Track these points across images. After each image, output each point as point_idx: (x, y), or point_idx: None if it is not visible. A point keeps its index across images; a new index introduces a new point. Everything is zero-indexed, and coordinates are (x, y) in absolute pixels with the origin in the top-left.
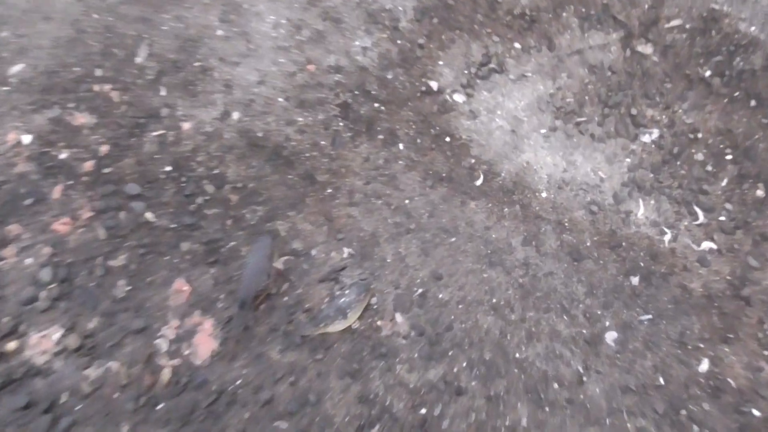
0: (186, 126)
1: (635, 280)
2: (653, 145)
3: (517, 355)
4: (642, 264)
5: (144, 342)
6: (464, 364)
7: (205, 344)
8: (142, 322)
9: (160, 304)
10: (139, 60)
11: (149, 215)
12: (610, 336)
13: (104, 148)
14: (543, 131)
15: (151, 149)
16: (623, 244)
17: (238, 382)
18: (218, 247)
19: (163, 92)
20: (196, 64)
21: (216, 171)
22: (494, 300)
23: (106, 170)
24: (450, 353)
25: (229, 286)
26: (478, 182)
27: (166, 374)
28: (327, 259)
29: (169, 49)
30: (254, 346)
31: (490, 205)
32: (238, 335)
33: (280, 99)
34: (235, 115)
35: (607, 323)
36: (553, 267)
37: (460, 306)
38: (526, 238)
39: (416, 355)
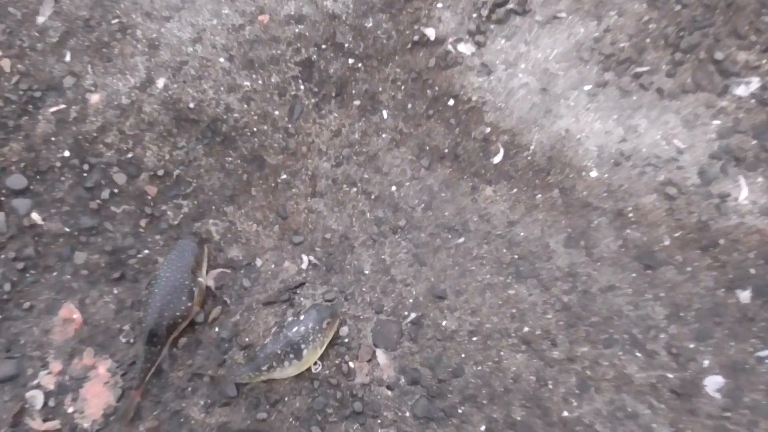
0: (94, 98)
1: (744, 295)
2: (753, 100)
3: (565, 413)
4: (753, 271)
5: (11, 395)
6: (482, 430)
7: (97, 398)
8: (12, 367)
9: (39, 339)
10: (41, 20)
11: (36, 216)
12: (713, 383)
13: None
14: (587, 88)
15: (47, 130)
16: (720, 242)
17: None
18: (126, 257)
19: (68, 57)
20: (114, 21)
21: (130, 155)
22: (526, 329)
23: None
24: (460, 411)
25: (138, 313)
26: (497, 159)
27: None
28: (277, 272)
29: (80, 5)
30: (168, 401)
31: (514, 190)
32: (144, 384)
33: (221, 59)
34: (160, 83)
35: (706, 363)
36: (615, 278)
37: (473, 339)
38: (570, 237)
39: (407, 415)
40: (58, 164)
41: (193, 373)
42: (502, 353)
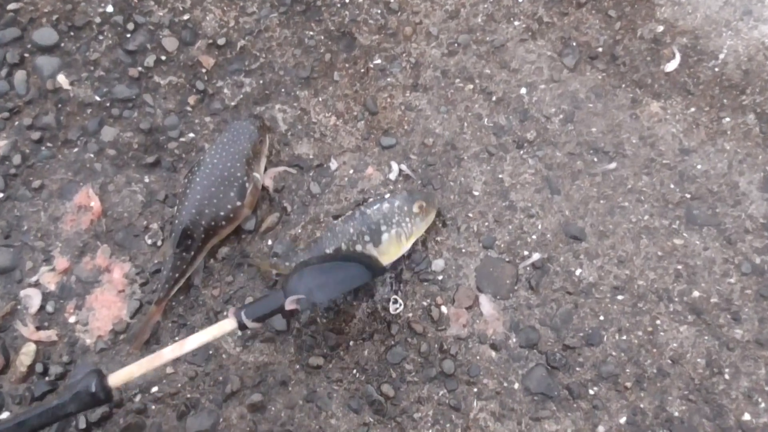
0: None
1: None
2: None
3: (746, 417)
4: None
5: (2, 291)
6: (621, 422)
7: (107, 309)
8: (8, 257)
9: (46, 227)
10: None
11: (62, 79)
12: None
13: None
14: None
15: None
16: None
17: (154, 390)
18: (165, 140)
19: None
20: None
21: (186, 17)
22: (695, 293)
23: (13, 5)
24: (592, 392)
25: (171, 209)
26: (670, 66)
27: (24, 358)
28: (356, 179)
29: None
30: (196, 325)
31: (692, 109)
32: (168, 299)
33: None
34: None
35: None
36: None
37: (618, 297)
38: None
39: (516, 386)
40: (98, 20)
41: (230, 292)
42: (658, 322)
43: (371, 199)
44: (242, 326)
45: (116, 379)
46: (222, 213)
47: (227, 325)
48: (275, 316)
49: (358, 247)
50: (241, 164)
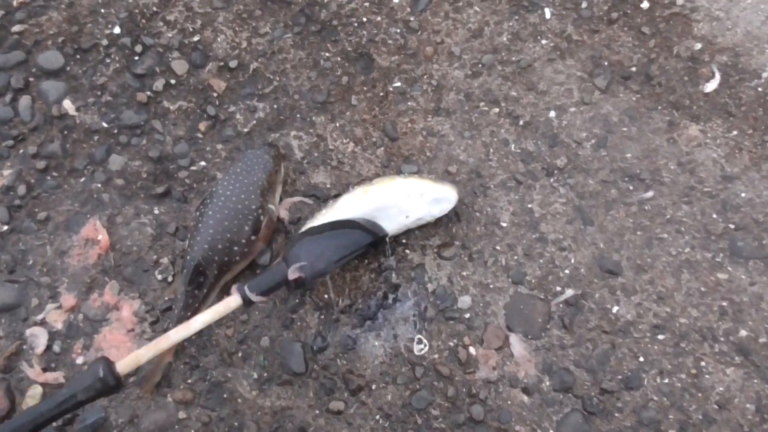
0: None
1: None
2: None
3: None
4: None
5: (8, 330)
6: None
7: (116, 349)
8: (13, 294)
9: (52, 262)
10: None
11: (68, 105)
12: None
13: None
14: None
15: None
16: None
17: None
18: (175, 168)
19: None
20: None
21: (196, 38)
22: (743, 333)
23: (17, 27)
24: None
25: (182, 243)
26: (709, 87)
27: (30, 401)
28: None
29: None
30: (209, 367)
31: (733, 132)
32: (181, 339)
33: None
34: None
35: None
36: None
37: (659, 337)
38: None
39: None
40: (105, 42)
41: (246, 334)
42: (703, 364)
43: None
44: (247, 302)
45: (125, 365)
46: (236, 247)
47: (232, 301)
48: (281, 288)
49: None
50: (256, 196)
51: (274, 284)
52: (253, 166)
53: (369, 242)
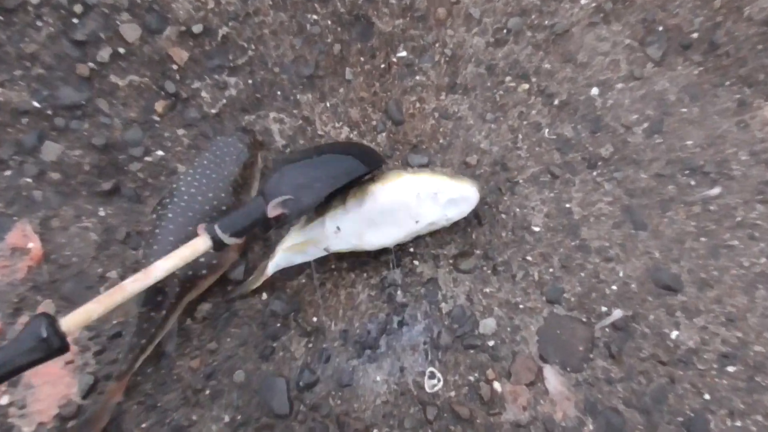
0: None
1: None
2: None
3: None
4: None
5: None
6: None
7: (52, 386)
8: None
9: None
10: None
11: None
12: None
13: None
14: None
15: None
16: None
17: None
18: (126, 159)
19: None
20: None
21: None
22: None
23: None
24: None
25: (134, 252)
26: None
27: None
28: None
29: None
30: (169, 407)
31: None
32: (131, 373)
33: None
34: None
35: None
36: None
37: (728, 369)
38: None
39: None
40: (35, 1)
41: (216, 366)
42: None
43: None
44: (219, 244)
45: (71, 322)
46: (203, 259)
47: (200, 243)
48: (257, 229)
49: None
50: (227, 194)
51: (250, 222)
52: (223, 156)
53: (362, 170)
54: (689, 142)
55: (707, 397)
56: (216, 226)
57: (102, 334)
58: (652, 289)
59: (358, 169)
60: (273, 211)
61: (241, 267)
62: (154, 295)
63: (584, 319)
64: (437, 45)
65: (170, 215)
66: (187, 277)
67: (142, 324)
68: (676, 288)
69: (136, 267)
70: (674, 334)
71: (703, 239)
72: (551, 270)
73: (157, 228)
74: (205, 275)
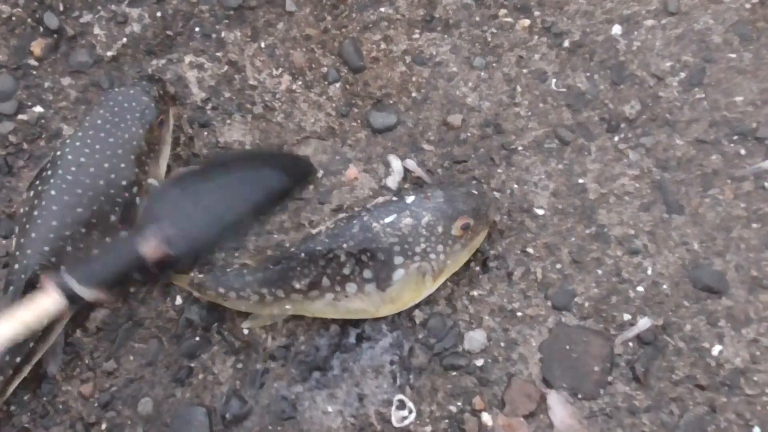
0: None
1: None
2: None
3: None
4: None
5: None
6: None
7: None
8: None
9: None
10: None
11: None
12: None
13: None
14: None
15: None
16: None
17: None
18: None
19: None
20: None
21: None
22: None
23: None
24: None
25: (7, 242)
26: None
27: None
28: (330, 187)
29: None
30: None
31: None
32: (4, 397)
33: None
34: None
35: None
36: None
37: None
38: None
39: None
40: None
41: (114, 393)
42: None
43: (381, 200)
44: (73, 299)
45: None
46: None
47: (48, 302)
48: (132, 275)
49: (350, 287)
50: (128, 164)
51: (117, 267)
52: (122, 114)
53: (287, 187)
54: (738, 99)
55: (758, 430)
56: (68, 275)
57: None
58: (690, 292)
59: (278, 184)
60: (148, 245)
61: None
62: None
63: (601, 330)
64: None
65: (53, 192)
66: None
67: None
68: (719, 290)
69: (6, 261)
70: (716, 349)
71: (755, 226)
72: (559, 266)
73: (35, 209)
74: None
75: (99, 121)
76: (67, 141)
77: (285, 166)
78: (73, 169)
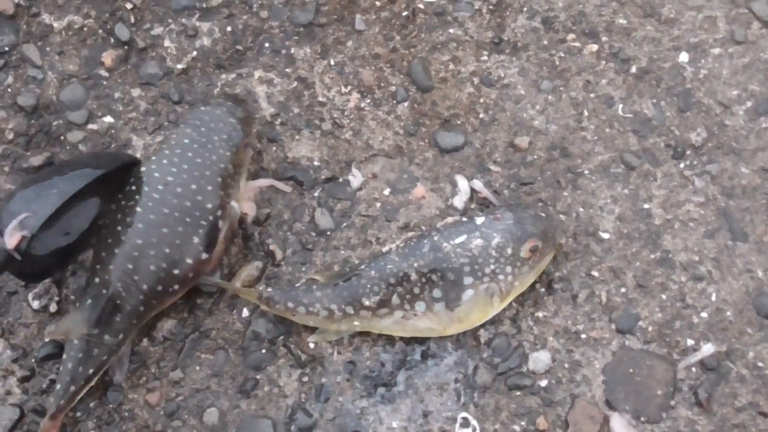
0: None
1: None
2: None
3: None
4: None
5: None
6: None
7: None
8: None
9: None
10: None
11: None
12: None
13: None
14: None
15: None
16: None
17: None
18: (62, 126)
19: None
20: None
21: None
22: None
23: None
24: None
25: (84, 254)
26: None
27: None
28: (397, 205)
29: None
30: None
31: None
32: (69, 406)
33: None
34: None
35: None
36: None
37: None
38: None
39: None
40: None
41: (180, 402)
42: None
43: (450, 220)
44: None
45: None
46: (177, 271)
47: None
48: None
49: (420, 306)
50: (215, 187)
51: None
52: (209, 135)
53: (102, 176)
54: None
55: None
56: None
57: (30, 355)
58: (754, 319)
59: (95, 171)
60: (11, 239)
61: (216, 275)
62: (110, 313)
63: (665, 355)
64: None
65: (139, 210)
66: (154, 293)
67: (91, 350)
68: None
69: (90, 278)
70: None
71: None
72: (623, 290)
73: (118, 225)
74: (176, 291)
75: (186, 140)
76: (152, 158)
77: (102, 163)
78: (160, 187)
